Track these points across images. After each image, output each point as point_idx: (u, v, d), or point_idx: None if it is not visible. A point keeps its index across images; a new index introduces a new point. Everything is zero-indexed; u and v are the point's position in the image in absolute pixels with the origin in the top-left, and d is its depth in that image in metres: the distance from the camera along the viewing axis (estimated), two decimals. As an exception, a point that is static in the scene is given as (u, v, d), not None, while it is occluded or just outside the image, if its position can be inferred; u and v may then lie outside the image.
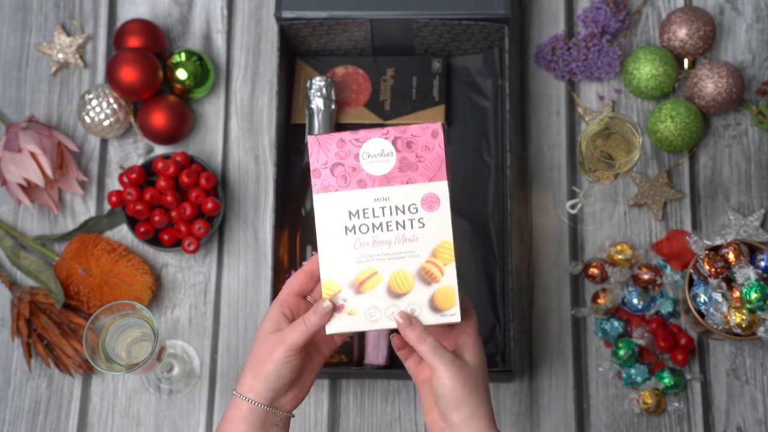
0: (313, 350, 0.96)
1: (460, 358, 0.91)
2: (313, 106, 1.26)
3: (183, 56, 1.33)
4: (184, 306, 1.30)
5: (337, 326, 0.91)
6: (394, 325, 0.91)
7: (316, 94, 1.26)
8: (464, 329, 0.93)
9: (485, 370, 0.93)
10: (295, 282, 0.94)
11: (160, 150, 1.35)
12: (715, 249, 1.20)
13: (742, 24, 1.37)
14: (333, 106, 1.27)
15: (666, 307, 1.26)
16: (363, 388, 1.26)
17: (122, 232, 1.32)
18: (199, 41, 1.39)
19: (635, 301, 1.26)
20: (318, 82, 1.26)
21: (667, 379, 1.23)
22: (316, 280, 0.94)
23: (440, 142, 0.91)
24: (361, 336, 1.22)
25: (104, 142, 1.36)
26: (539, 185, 1.33)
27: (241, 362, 1.28)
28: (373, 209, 0.91)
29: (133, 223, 1.28)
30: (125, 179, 1.27)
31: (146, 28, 1.34)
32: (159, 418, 1.26)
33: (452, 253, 0.92)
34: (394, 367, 1.23)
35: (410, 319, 0.91)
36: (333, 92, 1.27)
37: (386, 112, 1.31)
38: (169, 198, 1.27)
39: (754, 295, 1.16)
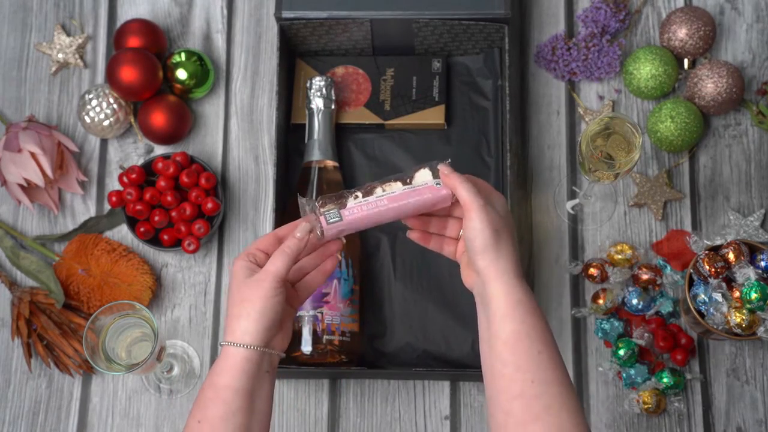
0: (291, 290, 0.97)
1: (490, 205, 0.93)
2: (313, 106, 1.26)
3: (183, 56, 1.33)
4: (184, 306, 1.30)
5: (350, 207, 0.94)
6: (396, 187, 0.95)
7: (316, 94, 1.26)
8: (485, 187, 0.96)
9: (512, 223, 0.95)
10: (261, 241, 0.95)
11: (160, 150, 1.35)
12: (715, 249, 1.20)
13: (742, 24, 1.37)
14: (333, 106, 1.27)
15: (666, 307, 1.26)
16: (363, 388, 1.26)
17: (122, 232, 1.32)
18: (199, 41, 1.39)
19: (635, 301, 1.26)
20: (318, 82, 1.26)
21: (667, 379, 1.23)
22: (280, 241, 0.95)
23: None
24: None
25: (104, 142, 1.36)
26: (539, 185, 1.33)
27: (241, 362, 1.28)
28: None
29: (133, 223, 1.28)
30: (125, 179, 1.27)
31: (146, 28, 1.34)
32: (159, 418, 1.26)
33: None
34: (394, 367, 1.23)
35: (449, 167, 0.95)
36: (333, 92, 1.27)
37: (386, 112, 1.31)
38: (169, 198, 1.27)
39: (754, 295, 1.16)
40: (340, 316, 1.19)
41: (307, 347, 1.18)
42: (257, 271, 0.92)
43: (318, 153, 1.25)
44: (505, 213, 0.94)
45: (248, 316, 0.90)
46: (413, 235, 1.00)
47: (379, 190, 0.95)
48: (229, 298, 0.93)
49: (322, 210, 0.94)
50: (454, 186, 0.94)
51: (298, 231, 0.93)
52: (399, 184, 0.96)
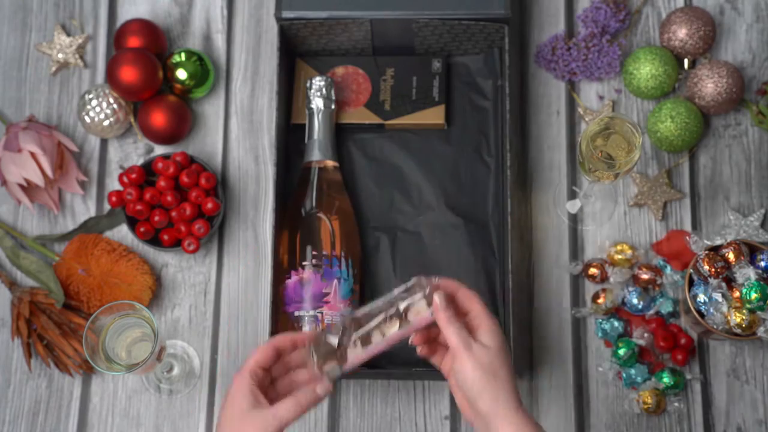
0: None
1: (479, 343, 0.91)
2: (313, 105, 1.26)
3: (183, 56, 1.33)
4: (184, 306, 1.30)
5: (351, 360, 0.95)
6: (396, 327, 0.94)
7: (316, 94, 1.26)
8: (475, 312, 0.94)
9: (506, 349, 0.93)
10: (260, 355, 0.94)
11: (160, 150, 1.35)
12: (715, 249, 1.20)
13: (742, 24, 1.37)
14: (333, 106, 1.27)
15: (666, 307, 1.26)
16: (363, 388, 1.26)
17: (122, 232, 1.32)
18: (199, 41, 1.39)
19: (635, 301, 1.26)
20: (318, 82, 1.26)
21: (667, 379, 1.23)
22: (280, 355, 0.95)
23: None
24: None
25: (104, 142, 1.36)
26: (539, 185, 1.33)
27: (240, 362, 1.28)
28: None
29: (133, 223, 1.28)
30: (125, 179, 1.27)
31: (146, 28, 1.34)
32: (159, 418, 1.26)
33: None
34: (394, 367, 1.23)
35: (447, 301, 0.93)
36: (333, 92, 1.27)
37: (386, 112, 1.31)
38: (169, 198, 1.27)
39: (754, 295, 1.16)
40: (340, 315, 1.19)
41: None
42: (260, 401, 0.91)
43: (318, 153, 1.25)
44: (496, 343, 0.92)
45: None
46: (422, 352, 0.99)
47: (377, 336, 0.95)
48: (225, 421, 0.91)
49: (325, 368, 0.94)
50: (441, 326, 0.93)
51: (320, 389, 0.92)
52: (396, 325, 0.95)
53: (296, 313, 1.19)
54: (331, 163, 1.26)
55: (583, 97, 1.36)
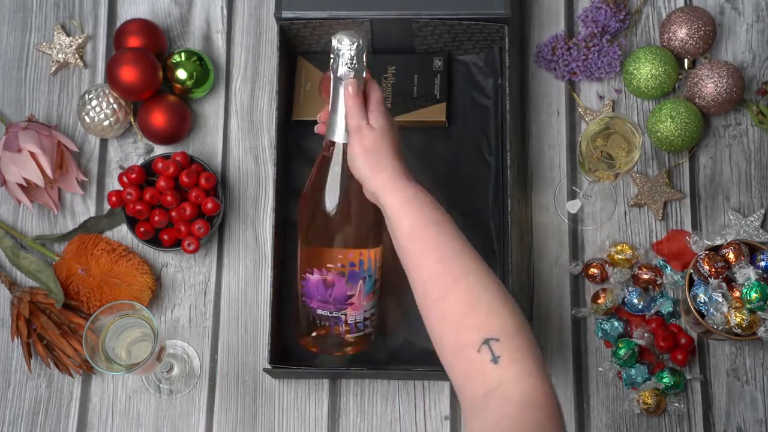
0: None
1: (368, 126, 1.03)
2: (341, 73, 1.03)
3: (183, 56, 1.33)
4: (184, 306, 1.30)
5: None
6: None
7: (346, 62, 1.03)
8: (371, 95, 1.05)
9: (391, 129, 1.04)
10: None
11: (160, 150, 1.35)
12: (715, 249, 1.20)
13: (742, 24, 1.37)
14: (364, 75, 1.05)
15: (666, 307, 1.26)
16: (363, 388, 1.26)
17: (122, 232, 1.32)
18: (199, 41, 1.39)
19: (635, 301, 1.26)
20: (347, 48, 1.02)
21: (667, 379, 1.23)
22: None
23: None
24: None
25: (104, 142, 1.36)
26: (539, 185, 1.33)
27: (241, 362, 1.28)
28: None
29: (133, 223, 1.28)
30: (125, 179, 1.27)
31: (146, 28, 1.34)
32: (159, 418, 1.26)
33: None
34: (394, 366, 1.23)
35: (358, 89, 1.04)
36: (364, 59, 1.04)
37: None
38: (169, 198, 1.27)
39: (754, 295, 1.16)
40: (363, 312, 1.17)
41: (323, 343, 1.19)
42: None
43: (335, 132, 1.07)
44: (381, 124, 1.03)
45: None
46: (318, 129, 1.12)
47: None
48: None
49: None
50: (347, 111, 1.04)
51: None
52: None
53: (318, 311, 1.16)
54: None
55: (583, 97, 1.36)
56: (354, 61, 1.02)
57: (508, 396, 0.86)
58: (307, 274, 1.15)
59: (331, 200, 1.11)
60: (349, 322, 1.16)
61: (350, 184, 1.09)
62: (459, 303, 0.92)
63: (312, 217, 1.13)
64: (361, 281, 1.14)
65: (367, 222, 1.13)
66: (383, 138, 1.02)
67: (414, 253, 0.97)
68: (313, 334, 1.18)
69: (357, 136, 1.02)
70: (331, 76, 1.05)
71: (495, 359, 0.88)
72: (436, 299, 0.94)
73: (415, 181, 1.02)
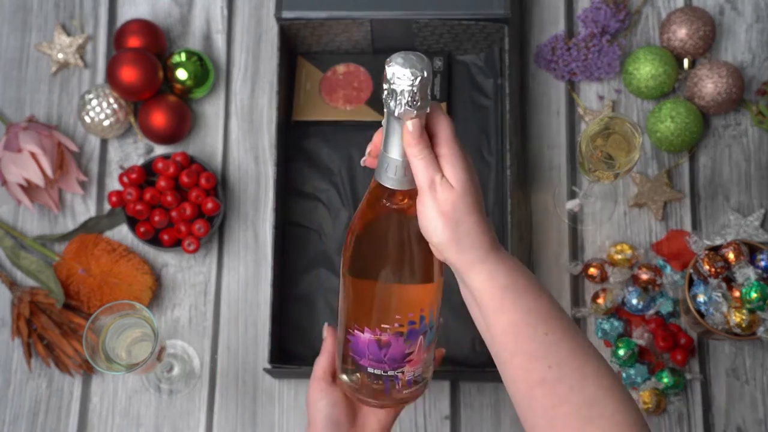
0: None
1: (444, 182, 0.80)
2: (394, 108, 0.78)
3: (183, 56, 1.33)
4: (184, 306, 1.30)
5: None
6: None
7: (400, 98, 0.77)
8: (441, 139, 0.80)
9: (473, 188, 0.80)
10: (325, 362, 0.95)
11: (160, 150, 1.35)
12: (715, 249, 1.20)
13: (742, 24, 1.37)
14: (426, 109, 0.80)
15: (666, 307, 1.26)
16: (363, 388, 1.26)
17: (122, 232, 1.32)
18: (199, 41, 1.39)
19: (635, 301, 1.26)
20: (401, 81, 0.77)
21: (667, 379, 1.23)
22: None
23: None
24: None
25: (104, 142, 1.36)
26: (539, 185, 1.33)
27: (241, 362, 1.28)
28: None
29: (133, 223, 1.28)
30: (125, 179, 1.27)
31: (146, 28, 1.34)
32: (159, 418, 1.26)
33: None
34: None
35: (420, 130, 0.79)
36: (425, 93, 0.78)
37: (386, 111, 1.31)
38: (169, 198, 1.27)
39: (754, 295, 1.16)
40: (423, 365, 0.95)
41: (373, 398, 0.96)
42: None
43: (389, 177, 0.82)
44: (463, 190, 0.80)
45: (308, 427, 0.92)
46: (367, 162, 0.86)
47: None
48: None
49: None
50: (409, 158, 0.80)
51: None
52: None
53: (370, 370, 0.94)
54: (408, 193, 0.84)
55: (583, 97, 1.36)
56: (417, 98, 0.77)
57: None
58: (356, 331, 0.92)
59: (388, 256, 0.87)
60: (407, 378, 0.95)
61: (410, 236, 0.86)
62: (575, 415, 0.78)
63: (361, 270, 0.89)
64: (421, 337, 0.92)
65: (430, 278, 0.89)
66: (465, 199, 0.79)
67: (516, 353, 0.81)
68: (361, 389, 0.96)
69: (430, 195, 0.79)
70: (385, 110, 0.80)
71: None
72: (546, 407, 0.79)
73: (505, 251, 0.83)
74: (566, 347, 0.80)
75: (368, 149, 0.85)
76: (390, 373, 0.93)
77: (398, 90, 0.77)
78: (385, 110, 0.80)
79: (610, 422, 0.78)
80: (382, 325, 0.90)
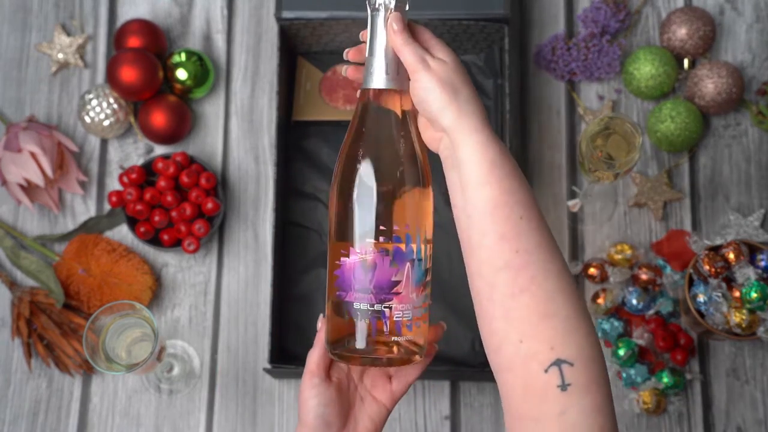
0: (364, 392, 0.94)
1: (436, 59, 0.85)
2: (380, 4, 0.88)
3: (183, 56, 1.33)
4: (184, 306, 1.30)
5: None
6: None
7: None
8: (425, 38, 0.87)
9: (462, 65, 0.87)
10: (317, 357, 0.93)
11: (160, 150, 1.35)
12: (715, 249, 1.20)
13: (742, 24, 1.37)
14: (407, 6, 0.89)
15: (666, 307, 1.26)
16: (363, 388, 1.26)
17: (122, 232, 1.32)
18: (199, 41, 1.39)
19: (635, 301, 1.26)
20: None
21: (667, 379, 1.23)
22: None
23: None
24: None
25: (104, 142, 1.36)
26: (539, 185, 1.33)
27: (241, 362, 1.28)
28: None
29: (133, 223, 1.28)
30: (125, 179, 1.27)
31: (146, 28, 1.34)
32: (159, 418, 1.26)
33: None
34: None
35: (403, 23, 0.86)
36: None
37: (386, 112, 1.31)
38: (169, 198, 1.27)
39: (754, 295, 1.16)
40: (412, 308, 0.90)
41: (362, 345, 0.90)
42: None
43: (383, 77, 0.88)
44: (452, 58, 0.86)
45: (301, 423, 0.90)
46: (349, 72, 0.91)
47: None
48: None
49: None
50: (397, 48, 0.86)
51: (320, 323, 0.93)
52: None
53: (356, 306, 0.89)
54: (398, 92, 0.89)
55: (583, 97, 1.36)
56: None
57: (569, 429, 0.77)
58: (342, 258, 0.90)
59: (372, 157, 0.89)
60: (395, 317, 0.89)
61: (395, 137, 0.90)
62: (533, 308, 0.79)
63: (347, 181, 0.90)
64: (408, 264, 0.89)
65: (417, 181, 0.90)
66: (459, 71, 0.85)
67: (487, 233, 0.81)
68: (349, 338, 0.92)
69: (424, 69, 0.84)
70: (368, 11, 0.88)
71: (564, 386, 0.78)
72: (506, 295, 0.80)
73: (492, 129, 0.84)
74: (536, 238, 0.81)
75: (346, 54, 0.90)
76: (377, 307, 0.89)
77: None
78: (369, 14, 0.87)
79: (564, 324, 0.79)
80: (367, 240, 0.88)
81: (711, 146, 1.33)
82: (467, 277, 0.85)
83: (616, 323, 1.26)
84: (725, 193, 1.31)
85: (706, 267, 1.17)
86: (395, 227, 0.88)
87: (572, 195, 1.32)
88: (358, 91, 0.90)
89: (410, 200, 0.89)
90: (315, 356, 0.90)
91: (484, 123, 0.84)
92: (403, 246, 0.89)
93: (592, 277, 1.27)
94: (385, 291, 0.89)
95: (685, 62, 1.34)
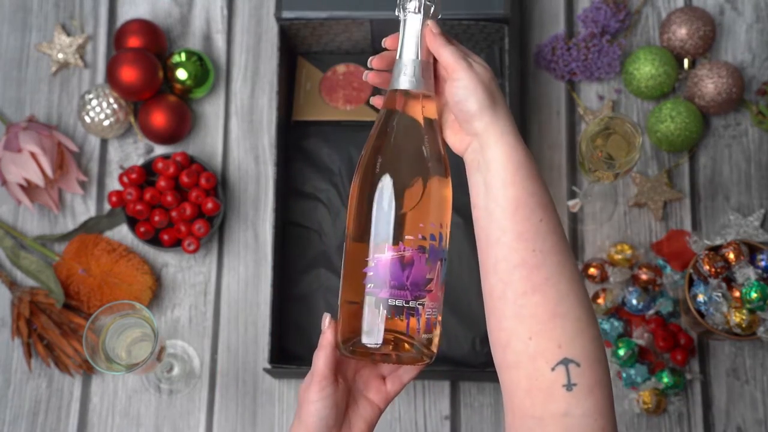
0: (358, 394, 0.93)
1: (477, 62, 0.88)
2: (409, 6, 0.90)
3: (183, 56, 1.33)
4: (184, 306, 1.30)
5: None
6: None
7: None
8: (468, 51, 0.90)
9: (496, 80, 0.89)
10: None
11: (160, 150, 1.35)
12: (715, 249, 1.20)
13: (742, 24, 1.37)
14: (435, 11, 0.91)
15: (666, 307, 1.26)
16: (363, 388, 1.26)
17: (122, 232, 1.32)
18: (199, 41, 1.39)
19: (635, 301, 1.26)
20: None
21: (667, 379, 1.23)
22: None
23: None
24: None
25: (104, 142, 1.36)
26: (539, 185, 1.32)
27: (241, 362, 1.28)
28: None
29: (133, 223, 1.28)
30: (125, 179, 1.27)
31: (146, 28, 1.34)
32: (159, 418, 1.26)
33: None
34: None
35: (438, 27, 0.88)
36: None
37: (386, 112, 1.31)
38: (169, 198, 1.27)
39: (754, 295, 1.16)
40: (439, 306, 0.92)
41: (379, 340, 0.89)
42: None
43: (411, 79, 0.89)
44: (492, 73, 0.88)
45: (300, 420, 0.89)
46: (370, 76, 0.92)
47: None
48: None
49: None
50: (436, 49, 0.87)
51: (324, 324, 0.90)
52: None
53: (391, 302, 0.88)
54: (425, 94, 0.90)
55: (583, 97, 1.36)
56: None
57: (570, 430, 0.78)
58: (377, 256, 0.89)
59: (403, 157, 0.90)
60: (426, 315, 0.90)
61: (427, 135, 0.91)
62: (544, 307, 0.81)
63: (376, 183, 0.89)
64: (439, 262, 0.90)
65: (444, 190, 0.93)
66: (494, 78, 0.88)
67: (507, 231, 0.83)
68: (367, 334, 0.90)
69: (468, 68, 0.86)
70: (402, 18, 0.90)
71: (569, 386, 0.79)
72: (519, 293, 0.82)
73: (524, 142, 0.87)
74: (553, 240, 0.84)
75: (370, 63, 0.91)
76: (411, 303, 0.89)
77: None
78: (401, 18, 0.89)
79: (574, 325, 0.81)
80: (407, 237, 0.89)
81: (711, 146, 1.33)
82: (480, 275, 0.86)
83: (616, 323, 1.26)
84: (725, 193, 1.31)
85: (706, 267, 1.17)
86: (431, 224, 0.90)
87: (572, 195, 1.32)
88: (384, 95, 0.91)
89: (437, 198, 0.91)
90: (323, 358, 0.89)
91: (514, 127, 0.87)
92: (437, 244, 0.90)
93: (592, 277, 1.27)
94: (420, 288, 0.90)
95: (685, 62, 1.34)
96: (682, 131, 1.28)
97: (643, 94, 1.33)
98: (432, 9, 0.89)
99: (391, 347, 0.90)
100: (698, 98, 1.30)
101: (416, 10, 0.89)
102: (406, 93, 0.89)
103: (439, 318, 0.92)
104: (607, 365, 0.82)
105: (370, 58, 0.92)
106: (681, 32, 1.32)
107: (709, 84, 1.29)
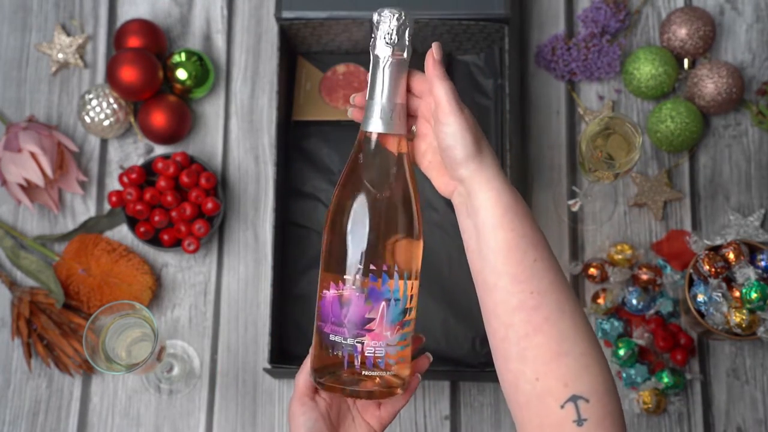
0: (355, 412, 0.95)
1: (467, 110, 0.88)
2: (378, 52, 0.90)
3: (183, 56, 1.33)
4: (184, 306, 1.30)
5: None
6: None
7: (384, 37, 0.90)
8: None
9: (478, 125, 0.90)
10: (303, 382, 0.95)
11: (160, 150, 1.35)
12: (715, 249, 1.20)
13: (742, 24, 1.37)
14: (406, 55, 0.91)
15: (666, 307, 1.26)
16: (363, 388, 1.26)
17: (122, 232, 1.33)
18: (199, 41, 1.39)
19: (635, 301, 1.26)
20: (387, 20, 0.90)
21: (667, 379, 1.23)
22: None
23: None
24: None
25: (104, 142, 1.36)
26: (539, 185, 1.33)
27: (241, 362, 1.28)
28: None
29: (133, 223, 1.28)
30: (125, 179, 1.27)
31: (146, 28, 1.34)
32: (159, 418, 1.26)
33: None
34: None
35: (441, 52, 0.89)
36: (408, 36, 0.91)
37: (386, 112, 1.31)
38: (169, 198, 1.27)
39: (754, 295, 1.16)
40: (386, 345, 0.91)
41: (341, 376, 0.92)
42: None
43: (379, 122, 0.90)
44: (475, 122, 0.89)
45: None
46: (354, 113, 0.93)
47: None
48: None
49: None
50: (434, 79, 0.88)
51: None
52: None
53: (332, 337, 0.91)
54: (395, 137, 0.91)
55: (583, 97, 1.36)
56: (406, 33, 0.90)
57: None
58: (324, 291, 0.92)
59: (358, 198, 0.91)
60: (367, 353, 0.90)
61: (391, 180, 0.91)
62: (546, 347, 0.82)
63: (334, 216, 0.92)
64: (383, 303, 0.90)
65: (400, 235, 0.91)
66: (478, 128, 0.88)
67: (502, 275, 0.84)
68: (330, 368, 0.93)
69: (460, 111, 0.87)
70: (372, 59, 0.90)
71: (580, 422, 0.80)
72: (521, 335, 0.83)
73: (510, 183, 0.88)
74: (550, 279, 0.84)
75: (353, 100, 0.92)
76: (349, 341, 0.90)
77: (385, 31, 0.89)
78: (372, 58, 0.89)
79: (578, 362, 0.81)
80: (345, 276, 0.90)
81: (711, 146, 1.33)
82: (482, 317, 0.87)
83: (616, 323, 1.26)
84: (725, 193, 1.31)
85: (706, 267, 1.17)
86: (372, 266, 0.89)
87: (572, 195, 1.32)
88: (359, 133, 0.92)
89: (391, 240, 0.90)
90: (303, 379, 0.94)
91: (499, 170, 0.87)
92: (378, 285, 0.90)
93: (592, 277, 1.27)
94: (358, 327, 0.91)
95: (685, 62, 1.34)
96: (682, 131, 1.28)
97: (643, 94, 1.33)
98: (405, 55, 0.90)
99: (351, 383, 0.91)
100: (698, 98, 1.30)
101: (386, 58, 0.89)
102: (372, 134, 0.90)
103: (395, 354, 0.91)
104: (617, 395, 0.83)
105: (353, 95, 0.93)
106: (681, 32, 1.32)
107: (709, 84, 1.29)
